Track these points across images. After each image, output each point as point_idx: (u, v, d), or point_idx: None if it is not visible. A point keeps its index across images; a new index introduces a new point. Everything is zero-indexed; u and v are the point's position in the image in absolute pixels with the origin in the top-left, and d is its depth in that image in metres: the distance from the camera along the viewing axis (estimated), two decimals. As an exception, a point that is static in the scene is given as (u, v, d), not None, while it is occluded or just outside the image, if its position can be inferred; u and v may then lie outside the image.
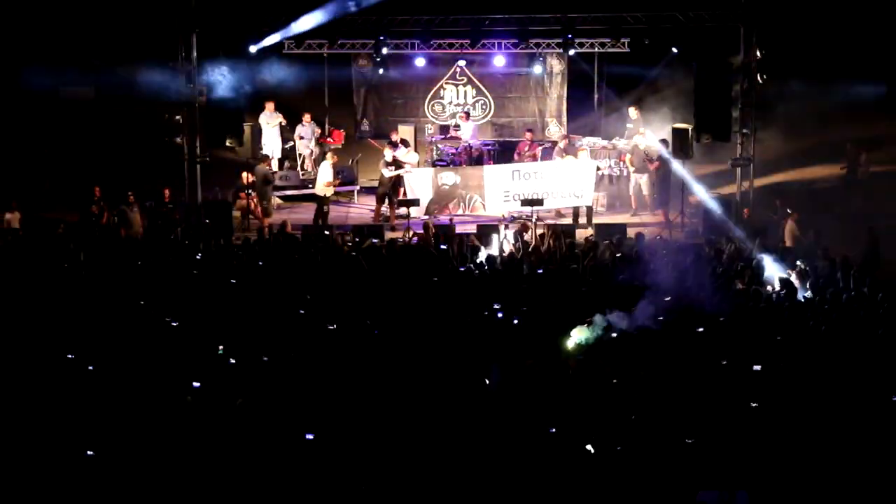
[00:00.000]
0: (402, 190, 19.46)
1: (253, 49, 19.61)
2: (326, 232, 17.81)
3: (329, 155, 19.77)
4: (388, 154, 19.51)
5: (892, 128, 21.20)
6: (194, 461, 9.29)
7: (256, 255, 15.68)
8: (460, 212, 19.37)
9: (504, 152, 21.62)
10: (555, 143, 21.33)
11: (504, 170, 19.51)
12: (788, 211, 17.57)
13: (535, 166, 19.60)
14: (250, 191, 19.31)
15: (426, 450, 9.50)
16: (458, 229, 17.75)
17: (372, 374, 11.21)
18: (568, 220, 19.19)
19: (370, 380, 11.05)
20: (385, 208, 19.53)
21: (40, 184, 19.12)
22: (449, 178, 19.52)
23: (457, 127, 22.04)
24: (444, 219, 18.90)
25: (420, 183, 19.32)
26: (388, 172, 19.25)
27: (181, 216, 18.54)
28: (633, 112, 21.36)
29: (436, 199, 19.32)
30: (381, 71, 22.24)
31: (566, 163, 19.59)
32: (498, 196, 19.15)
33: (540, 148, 20.92)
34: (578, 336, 12.45)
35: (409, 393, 10.78)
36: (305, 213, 19.89)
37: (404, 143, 20.68)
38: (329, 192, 19.29)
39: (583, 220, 19.14)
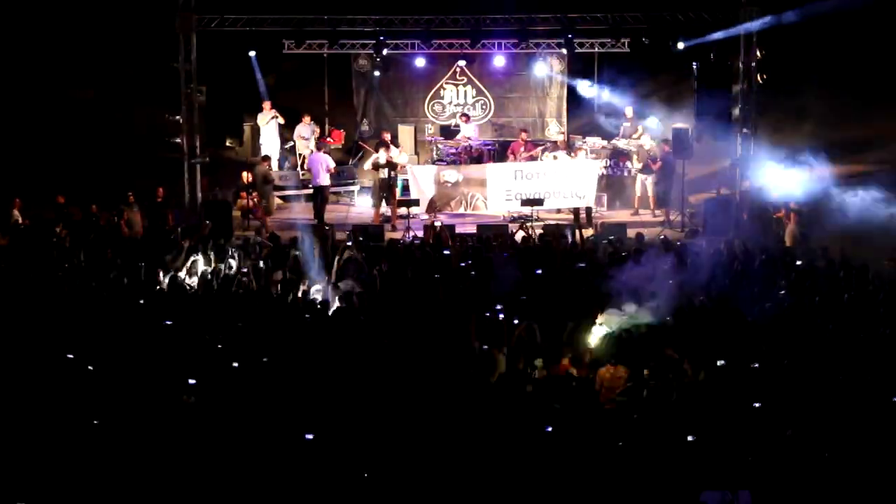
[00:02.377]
0: (396, 191, 19.51)
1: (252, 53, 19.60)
2: (327, 227, 17.85)
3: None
4: (383, 156, 19.50)
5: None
6: (192, 461, 9.29)
7: (257, 256, 15.65)
8: (462, 210, 19.39)
9: (504, 152, 21.62)
10: (554, 143, 21.34)
11: (507, 169, 19.55)
12: (791, 206, 17.61)
13: (538, 167, 19.63)
14: (250, 190, 19.32)
15: (427, 448, 9.50)
16: (459, 229, 17.73)
17: (371, 373, 11.21)
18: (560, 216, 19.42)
19: (369, 379, 11.05)
20: (385, 209, 19.54)
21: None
22: (451, 175, 19.58)
23: (456, 127, 22.04)
24: (443, 218, 18.89)
25: (423, 180, 19.37)
26: (382, 174, 19.29)
27: (175, 215, 18.53)
28: (629, 111, 21.38)
29: (438, 197, 19.35)
30: (377, 73, 22.24)
31: (569, 163, 19.64)
32: (500, 195, 19.19)
33: (539, 148, 20.87)
34: (603, 329, 12.46)
35: (410, 393, 10.78)
36: (305, 213, 19.88)
37: (394, 143, 20.69)
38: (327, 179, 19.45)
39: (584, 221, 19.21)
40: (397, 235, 18.08)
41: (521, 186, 19.05)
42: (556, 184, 19.16)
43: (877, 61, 21.34)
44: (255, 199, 19.28)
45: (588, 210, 19.32)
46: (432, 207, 19.31)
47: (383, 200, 19.45)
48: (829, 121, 21.07)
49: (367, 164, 19.79)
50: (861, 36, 21.10)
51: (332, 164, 19.56)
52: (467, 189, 19.47)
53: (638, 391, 11.42)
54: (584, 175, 19.21)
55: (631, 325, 12.65)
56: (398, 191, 19.77)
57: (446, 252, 15.43)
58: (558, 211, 19.66)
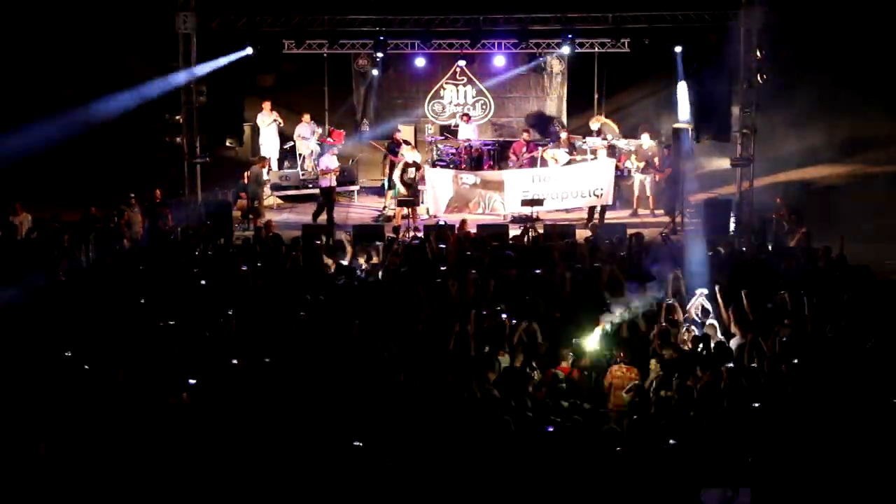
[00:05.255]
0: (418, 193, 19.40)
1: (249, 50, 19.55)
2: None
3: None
4: (409, 155, 19.33)
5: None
6: (191, 461, 9.29)
7: (254, 256, 15.64)
8: (480, 211, 19.32)
9: (504, 152, 21.58)
10: (555, 142, 21.26)
11: (524, 173, 19.50)
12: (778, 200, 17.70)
13: (554, 171, 19.57)
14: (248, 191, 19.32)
15: (423, 449, 9.50)
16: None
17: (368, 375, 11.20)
18: (573, 217, 19.47)
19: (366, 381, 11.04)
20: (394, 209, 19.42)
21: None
22: (469, 178, 19.48)
23: (456, 127, 22.02)
24: (449, 219, 18.84)
25: (440, 183, 19.27)
26: (408, 174, 19.05)
27: (173, 216, 18.50)
28: (595, 123, 21.32)
29: (456, 198, 19.25)
30: (376, 73, 22.22)
31: (586, 163, 19.65)
32: (517, 196, 19.04)
33: (541, 149, 20.79)
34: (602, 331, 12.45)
35: (406, 394, 10.77)
36: (306, 213, 19.87)
37: (406, 141, 20.63)
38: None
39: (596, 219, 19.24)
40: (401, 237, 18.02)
41: (539, 188, 18.96)
42: (573, 184, 19.14)
43: (878, 61, 21.32)
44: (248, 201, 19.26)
45: (602, 208, 19.27)
46: (450, 208, 19.20)
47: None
48: (830, 121, 21.08)
49: (399, 167, 19.44)
50: (862, 36, 21.08)
51: (331, 165, 19.47)
52: (485, 190, 19.38)
53: (644, 391, 11.38)
54: (601, 173, 19.18)
55: (631, 318, 12.64)
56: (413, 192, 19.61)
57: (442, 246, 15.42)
58: (557, 211, 19.62)
